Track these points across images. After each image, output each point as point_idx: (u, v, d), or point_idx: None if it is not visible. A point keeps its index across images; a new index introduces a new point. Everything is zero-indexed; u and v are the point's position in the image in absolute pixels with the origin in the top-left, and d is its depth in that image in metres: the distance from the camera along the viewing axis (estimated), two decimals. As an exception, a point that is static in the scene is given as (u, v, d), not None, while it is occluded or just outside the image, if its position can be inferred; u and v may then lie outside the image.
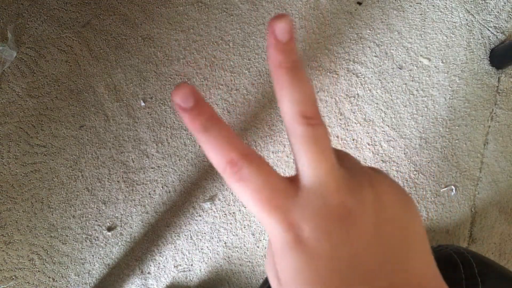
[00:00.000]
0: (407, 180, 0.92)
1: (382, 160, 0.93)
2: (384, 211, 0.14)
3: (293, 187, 0.15)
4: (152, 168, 0.92)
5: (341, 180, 0.14)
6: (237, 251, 0.89)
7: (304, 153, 0.14)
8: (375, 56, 0.98)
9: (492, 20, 1.01)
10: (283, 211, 0.14)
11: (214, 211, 0.90)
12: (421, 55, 0.98)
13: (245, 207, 0.90)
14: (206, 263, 0.88)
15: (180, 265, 0.88)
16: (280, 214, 0.14)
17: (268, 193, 0.14)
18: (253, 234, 0.89)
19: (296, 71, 0.14)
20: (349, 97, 0.96)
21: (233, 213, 0.90)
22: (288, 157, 0.93)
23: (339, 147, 0.93)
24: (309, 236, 0.14)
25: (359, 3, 1.01)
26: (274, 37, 0.14)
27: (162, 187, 0.92)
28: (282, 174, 0.92)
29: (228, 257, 0.89)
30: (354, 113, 0.95)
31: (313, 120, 0.14)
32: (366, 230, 0.14)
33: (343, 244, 0.13)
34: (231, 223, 0.90)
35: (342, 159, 0.17)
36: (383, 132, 0.94)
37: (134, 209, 0.91)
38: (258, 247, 0.89)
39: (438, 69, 0.98)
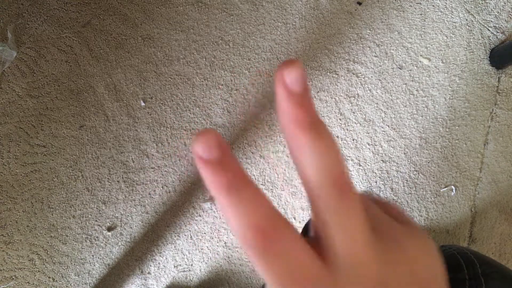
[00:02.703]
0: (407, 180, 0.92)
1: (382, 160, 0.93)
2: (415, 274, 0.14)
3: (326, 268, 0.13)
4: (152, 168, 0.92)
5: (375, 252, 0.13)
6: (237, 251, 0.89)
7: (338, 229, 0.12)
8: (375, 56, 0.98)
9: (492, 20, 1.01)
10: None
11: (214, 211, 0.90)
12: (421, 55, 0.98)
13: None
14: (206, 263, 0.88)
15: (180, 265, 0.88)
16: None
17: (301, 277, 0.12)
18: (253, 234, 0.89)
19: (318, 129, 0.12)
20: (349, 97, 0.96)
21: (233, 213, 0.90)
22: (287, 157, 0.93)
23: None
24: None
25: (359, 3, 1.01)
26: (285, 87, 0.12)
27: (162, 187, 0.92)
28: (285, 173, 0.91)
29: (228, 257, 0.89)
30: (354, 113, 0.95)
31: (345, 188, 0.12)
32: None
33: None
34: (231, 223, 0.90)
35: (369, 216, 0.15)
36: (383, 132, 0.94)
37: (134, 209, 0.91)
38: (258, 247, 0.89)
39: (438, 69, 0.97)
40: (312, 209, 0.13)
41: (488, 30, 1.00)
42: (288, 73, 0.12)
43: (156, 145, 0.93)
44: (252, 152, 0.93)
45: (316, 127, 0.12)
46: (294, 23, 1.00)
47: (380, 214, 0.16)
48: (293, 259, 0.12)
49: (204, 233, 0.90)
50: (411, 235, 0.15)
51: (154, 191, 0.92)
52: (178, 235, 0.90)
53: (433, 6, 1.01)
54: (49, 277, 0.88)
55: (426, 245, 0.15)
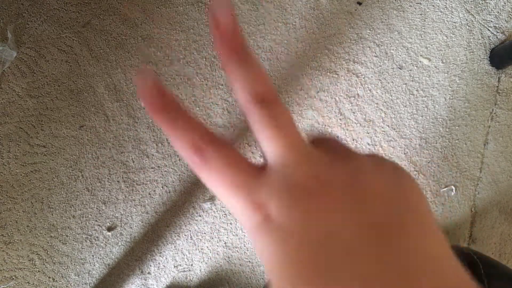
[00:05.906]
0: (407, 180, 0.92)
1: (382, 160, 0.93)
2: (366, 185, 0.13)
3: (258, 169, 0.14)
4: (152, 168, 0.92)
5: (308, 154, 0.14)
6: (237, 251, 0.89)
7: (263, 133, 0.14)
8: (375, 56, 0.98)
9: (492, 20, 1.01)
10: (248, 191, 0.13)
11: (214, 211, 0.90)
12: (421, 55, 0.98)
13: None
14: (206, 263, 0.88)
15: (180, 265, 0.88)
16: (246, 193, 0.13)
17: (232, 172, 0.14)
18: (253, 234, 0.89)
19: (244, 53, 0.14)
20: (349, 97, 0.96)
21: (233, 213, 0.90)
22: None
23: (339, 147, 0.93)
24: (277, 213, 0.13)
25: (359, 3, 1.01)
26: (216, 22, 0.14)
27: (162, 187, 0.92)
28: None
29: (228, 257, 0.89)
30: (354, 113, 0.95)
31: (267, 99, 0.14)
32: (343, 205, 0.12)
33: (314, 219, 0.12)
34: (231, 223, 0.90)
35: (324, 142, 0.16)
36: (383, 132, 0.94)
37: (134, 209, 0.91)
38: (258, 247, 0.89)
39: (438, 69, 0.97)
40: (250, 128, 0.15)
41: (488, 30, 1.00)
42: (218, 10, 0.14)
43: (156, 145, 0.93)
44: (252, 152, 0.93)
45: (241, 53, 0.14)
46: (294, 23, 1.00)
47: (349, 149, 0.16)
48: (229, 167, 0.14)
49: (204, 233, 0.90)
50: (378, 161, 0.15)
51: (154, 191, 0.92)
52: (178, 235, 0.90)
53: (433, 6, 1.01)
54: (49, 277, 0.88)
55: (394, 170, 0.14)
